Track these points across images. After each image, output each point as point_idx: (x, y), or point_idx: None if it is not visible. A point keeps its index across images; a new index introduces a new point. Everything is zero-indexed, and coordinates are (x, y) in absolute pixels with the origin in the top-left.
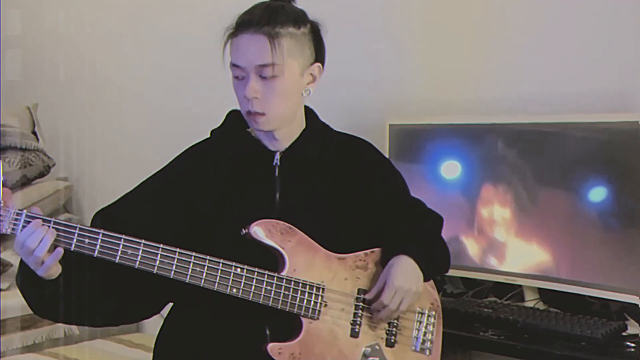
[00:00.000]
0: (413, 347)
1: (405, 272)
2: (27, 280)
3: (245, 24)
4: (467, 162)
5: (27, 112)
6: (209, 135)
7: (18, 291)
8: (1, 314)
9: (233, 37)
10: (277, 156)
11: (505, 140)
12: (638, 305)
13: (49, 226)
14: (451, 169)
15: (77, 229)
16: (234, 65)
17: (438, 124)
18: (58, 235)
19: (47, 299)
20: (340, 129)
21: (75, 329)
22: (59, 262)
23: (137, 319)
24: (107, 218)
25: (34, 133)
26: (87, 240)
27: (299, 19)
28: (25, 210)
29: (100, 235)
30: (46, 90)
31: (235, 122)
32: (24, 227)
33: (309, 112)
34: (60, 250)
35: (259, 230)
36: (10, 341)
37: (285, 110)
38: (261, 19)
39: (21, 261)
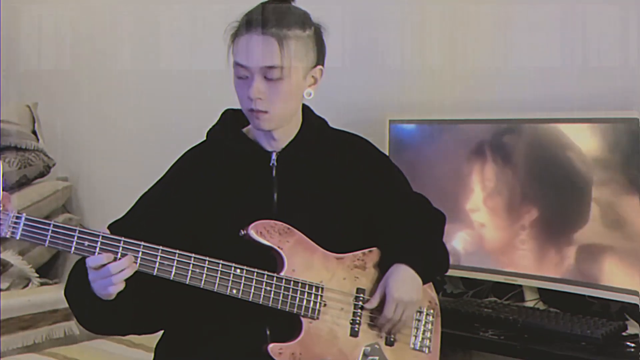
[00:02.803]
0: (412, 346)
1: (404, 282)
2: (85, 295)
3: (253, 23)
4: (466, 159)
5: (27, 111)
6: (205, 137)
7: (18, 291)
8: (1, 314)
9: (238, 36)
10: (274, 157)
11: (505, 137)
12: (638, 305)
13: (134, 261)
14: (451, 166)
15: (77, 231)
16: (238, 65)
17: (438, 120)
18: (57, 238)
19: (102, 314)
20: (340, 124)
21: (75, 329)
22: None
23: (157, 329)
24: (119, 231)
25: (34, 132)
26: (86, 244)
27: (305, 21)
28: (24, 214)
29: (100, 238)
30: (46, 89)
31: (231, 123)
32: (24, 230)
33: (306, 110)
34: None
35: (257, 231)
36: (10, 341)
37: (287, 111)
38: (269, 20)
39: (72, 273)
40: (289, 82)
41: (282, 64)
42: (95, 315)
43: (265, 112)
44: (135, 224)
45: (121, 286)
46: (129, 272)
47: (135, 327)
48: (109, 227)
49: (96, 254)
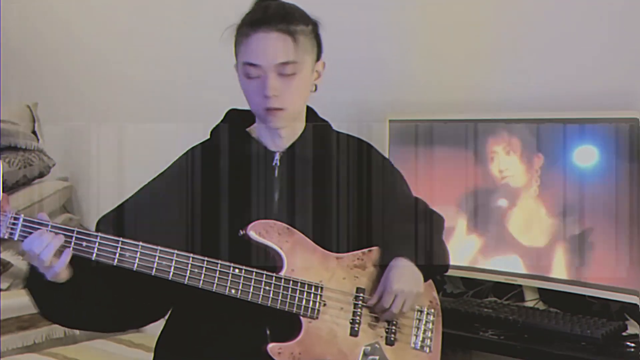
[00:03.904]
0: (413, 345)
1: (404, 274)
2: (37, 282)
3: (260, 22)
4: (467, 159)
5: (27, 111)
6: (209, 136)
7: (18, 291)
8: (1, 314)
9: (245, 36)
10: (277, 156)
11: (505, 136)
12: (638, 305)
13: (55, 232)
14: (451, 166)
15: (75, 232)
16: (248, 64)
17: (438, 120)
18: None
19: (55, 302)
20: (340, 124)
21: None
22: (70, 265)
23: (142, 324)
24: (110, 223)
25: (34, 132)
26: (84, 244)
27: (306, 17)
28: (22, 215)
29: (98, 238)
30: (46, 89)
31: (235, 122)
32: (22, 231)
33: (309, 111)
34: (68, 252)
35: (256, 231)
36: (10, 341)
37: (300, 106)
38: (276, 17)
39: (30, 264)
40: (301, 76)
41: (296, 59)
42: (56, 302)
43: (281, 109)
44: (132, 219)
45: (58, 265)
46: (54, 245)
47: (115, 322)
48: (100, 219)
49: (94, 255)
